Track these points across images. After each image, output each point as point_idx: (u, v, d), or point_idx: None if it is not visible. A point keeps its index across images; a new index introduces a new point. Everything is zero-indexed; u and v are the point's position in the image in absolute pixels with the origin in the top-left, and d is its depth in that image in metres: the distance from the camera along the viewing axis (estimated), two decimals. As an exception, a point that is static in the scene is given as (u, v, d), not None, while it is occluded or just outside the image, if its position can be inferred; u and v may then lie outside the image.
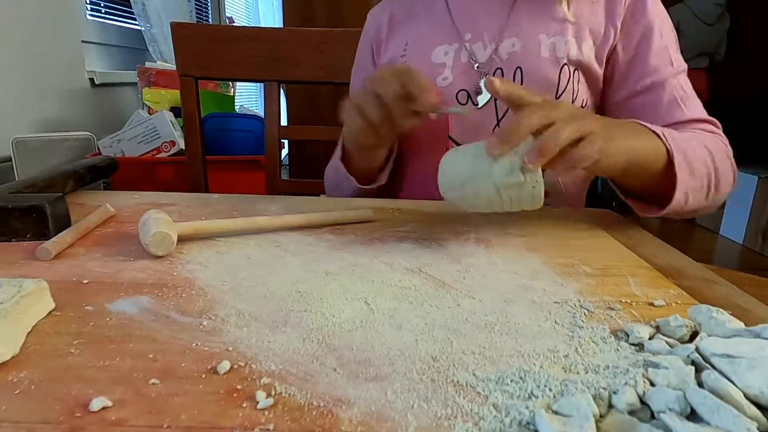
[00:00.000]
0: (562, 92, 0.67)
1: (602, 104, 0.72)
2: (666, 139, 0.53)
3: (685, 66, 0.68)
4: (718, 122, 0.67)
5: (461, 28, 0.71)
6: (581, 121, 0.45)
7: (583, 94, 0.69)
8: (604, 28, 0.68)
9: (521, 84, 0.68)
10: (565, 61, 0.67)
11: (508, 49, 0.68)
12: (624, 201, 0.61)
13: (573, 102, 0.68)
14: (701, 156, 0.57)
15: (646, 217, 0.59)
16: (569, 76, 0.67)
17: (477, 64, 0.70)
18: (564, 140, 0.43)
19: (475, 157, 0.45)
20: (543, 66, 0.67)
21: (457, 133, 0.71)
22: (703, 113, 0.67)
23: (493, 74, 0.69)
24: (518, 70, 0.68)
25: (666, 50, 0.67)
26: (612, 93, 0.70)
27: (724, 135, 0.66)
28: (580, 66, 0.68)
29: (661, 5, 0.69)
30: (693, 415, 0.22)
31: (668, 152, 0.53)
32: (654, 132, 0.54)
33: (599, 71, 0.69)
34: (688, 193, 0.55)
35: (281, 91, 1.11)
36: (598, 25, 0.68)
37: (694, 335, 0.31)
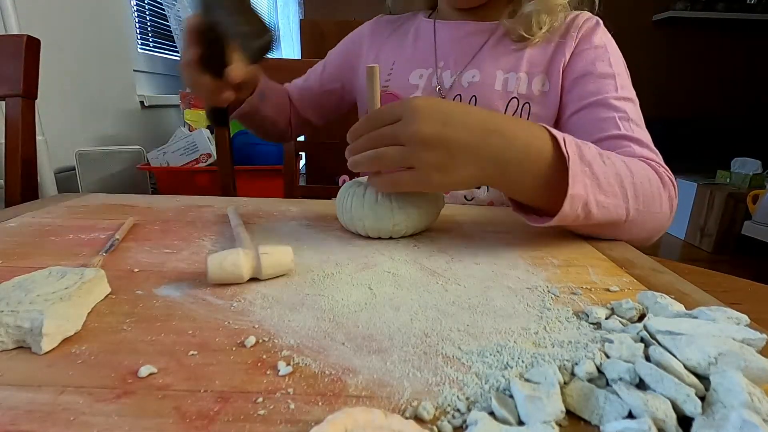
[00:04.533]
0: None
1: (557, 122, 0.67)
2: (566, 146, 0.42)
3: (632, 96, 0.62)
4: (657, 153, 0.57)
5: (438, 57, 0.71)
6: (419, 146, 0.40)
7: None
8: (554, 60, 0.66)
9: None
10: (514, 95, 0.66)
11: (469, 79, 0.68)
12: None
13: None
14: (614, 172, 0.45)
15: (536, 225, 0.45)
16: (516, 108, 0.66)
17: (438, 87, 0.70)
18: (388, 164, 0.42)
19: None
20: (494, 97, 0.67)
21: None
22: (646, 140, 0.58)
23: (453, 99, 0.69)
24: (473, 98, 0.68)
25: (612, 77, 0.62)
26: (561, 111, 0.66)
27: (664, 168, 0.54)
28: (529, 99, 0.66)
29: (611, 39, 0.66)
30: (642, 384, 0.22)
31: (565, 158, 0.41)
32: (554, 137, 0.42)
33: (551, 101, 0.66)
34: (590, 207, 0.42)
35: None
36: (549, 60, 0.66)
37: (642, 316, 0.31)
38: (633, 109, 0.61)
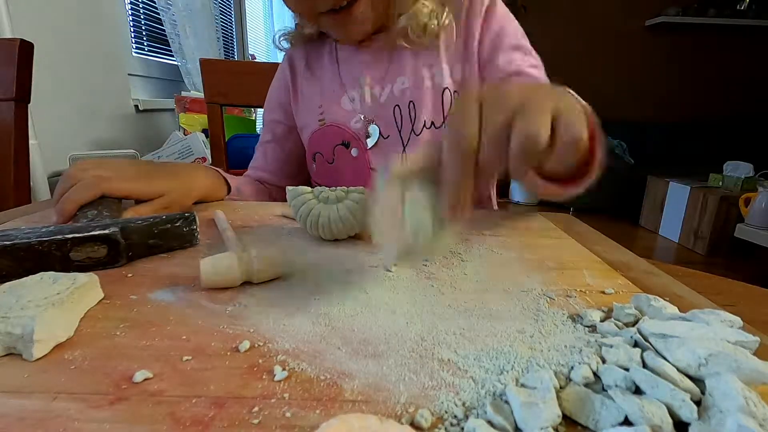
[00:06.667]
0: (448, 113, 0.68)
1: None
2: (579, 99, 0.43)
3: (539, 63, 0.67)
4: None
5: (354, 79, 0.72)
6: (535, 98, 0.30)
7: None
8: (468, 46, 0.69)
9: (415, 114, 0.68)
10: (444, 86, 0.68)
11: (400, 87, 0.69)
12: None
13: None
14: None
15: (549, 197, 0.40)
16: (450, 98, 0.68)
17: (362, 115, 0.70)
18: (544, 126, 0.28)
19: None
20: (428, 95, 0.68)
21: (377, 165, 0.72)
22: None
23: (392, 110, 0.69)
24: (410, 103, 0.69)
25: (519, 49, 0.67)
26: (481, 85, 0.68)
27: None
28: (458, 87, 0.69)
29: (507, 9, 0.70)
30: (638, 389, 0.22)
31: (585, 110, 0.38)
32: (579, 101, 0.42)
33: (475, 85, 0.69)
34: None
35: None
36: (463, 46, 0.69)
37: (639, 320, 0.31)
38: (542, 74, 0.67)
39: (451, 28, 0.69)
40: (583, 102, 0.43)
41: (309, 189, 0.47)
